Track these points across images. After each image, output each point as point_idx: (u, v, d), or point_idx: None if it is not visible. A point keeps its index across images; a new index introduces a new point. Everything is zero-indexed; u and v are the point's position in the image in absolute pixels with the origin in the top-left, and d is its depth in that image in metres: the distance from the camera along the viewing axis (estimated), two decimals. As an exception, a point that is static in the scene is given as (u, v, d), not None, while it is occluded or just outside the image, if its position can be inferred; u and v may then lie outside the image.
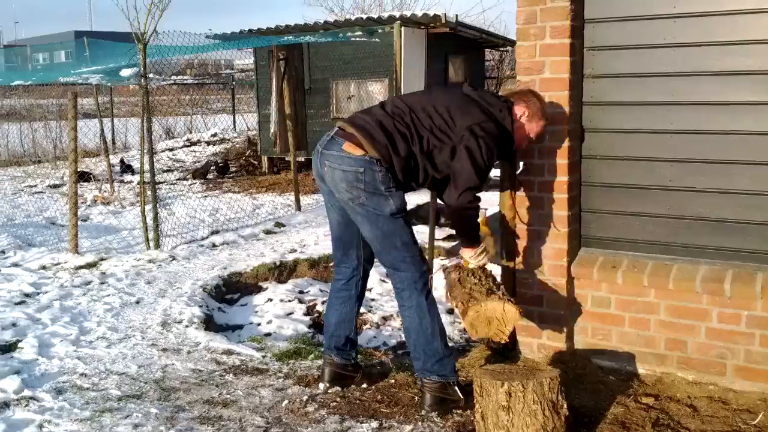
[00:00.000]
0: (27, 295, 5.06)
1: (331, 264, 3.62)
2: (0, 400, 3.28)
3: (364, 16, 12.38)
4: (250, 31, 12.14)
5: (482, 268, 3.19)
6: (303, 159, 11.23)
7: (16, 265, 5.93)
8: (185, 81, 19.11)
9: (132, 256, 6.21)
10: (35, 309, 4.69)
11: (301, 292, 5.32)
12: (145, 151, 6.53)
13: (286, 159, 10.80)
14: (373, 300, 5.11)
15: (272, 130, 11.00)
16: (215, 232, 7.30)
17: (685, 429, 2.88)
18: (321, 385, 3.41)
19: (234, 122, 18.67)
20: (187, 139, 17.33)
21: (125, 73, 8.64)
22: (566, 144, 3.37)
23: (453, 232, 3.18)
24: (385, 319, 4.76)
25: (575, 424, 2.86)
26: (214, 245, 6.71)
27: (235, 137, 16.65)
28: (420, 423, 3.03)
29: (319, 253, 6.16)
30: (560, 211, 3.44)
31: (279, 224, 7.72)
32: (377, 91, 11.28)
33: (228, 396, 3.35)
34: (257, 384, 3.50)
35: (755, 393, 3.11)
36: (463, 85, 3.27)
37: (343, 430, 2.98)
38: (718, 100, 3.15)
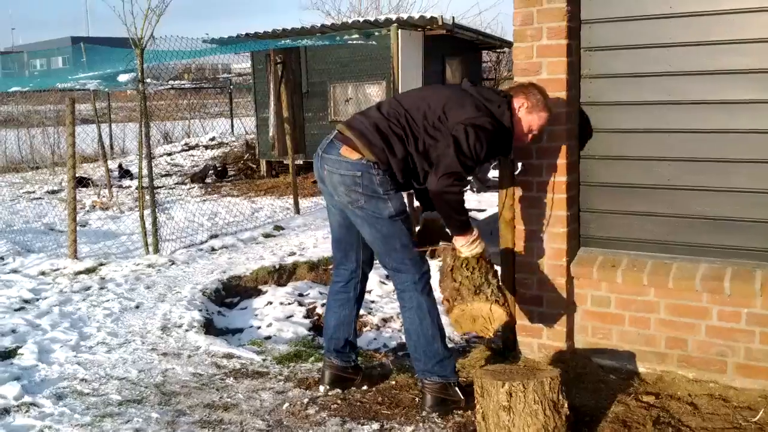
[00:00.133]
0: (26, 301, 5.05)
1: (331, 267, 3.62)
2: (0, 407, 3.28)
3: (361, 19, 12.41)
4: (247, 35, 12.15)
5: (477, 258, 3.06)
6: (301, 162, 11.24)
7: (15, 271, 5.93)
8: (183, 85, 19.14)
9: (131, 260, 6.21)
10: (35, 315, 4.68)
11: (300, 295, 5.32)
12: (143, 155, 6.53)
13: (285, 162, 10.80)
14: (373, 302, 5.11)
15: (270, 134, 11.01)
16: (214, 236, 7.30)
17: (686, 427, 2.89)
18: (321, 388, 3.41)
19: (232, 126, 18.68)
20: (186, 144, 17.32)
21: (123, 78, 8.64)
22: (564, 144, 3.38)
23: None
24: (385, 320, 4.76)
25: (576, 423, 2.86)
26: (213, 249, 6.71)
27: (233, 141, 16.64)
28: (421, 424, 3.03)
29: (318, 256, 6.16)
30: (559, 211, 3.44)
31: (278, 227, 7.72)
32: (375, 93, 11.29)
33: (229, 399, 3.35)
34: (258, 387, 3.49)
35: (756, 390, 3.11)
36: (463, 81, 3.24)
37: (344, 432, 2.98)
38: (715, 99, 3.16)
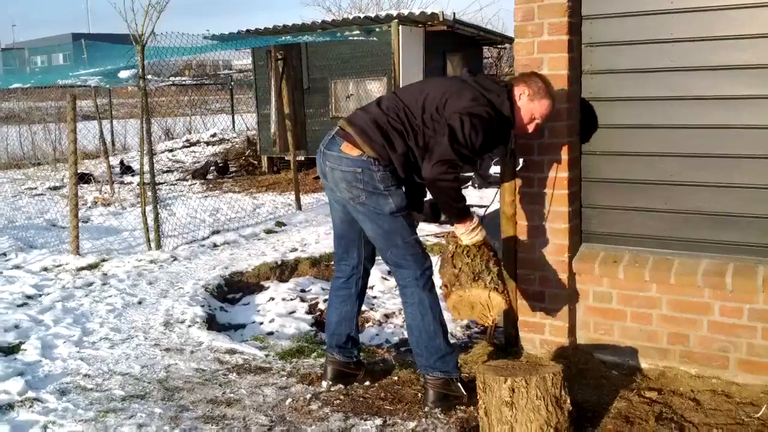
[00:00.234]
0: (29, 297, 5.06)
1: (333, 263, 3.63)
2: (4, 402, 3.29)
3: (362, 15, 12.39)
4: (248, 31, 12.14)
5: (479, 246, 3.05)
6: (303, 158, 11.23)
7: (17, 267, 5.94)
8: (184, 82, 19.13)
9: (133, 256, 6.22)
10: (38, 311, 4.69)
11: (302, 290, 5.33)
12: (144, 152, 6.53)
13: (286, 158, 10.79)
14: (375, 297, 5.12)
15: (272, 130, 11.01)
16: (216, 232, 7.31)
17: (689, 422, 2.89)
18: (324, 383, 3.42)
19: (233, 122, 18.67)
20: (187, 140, 17.33)
21: (124, 74, 8.65)
22: (566, 140, 3.38)
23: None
24: (387, 316, 4.77)
25: (578, 419, 2.87)
26: (215, 245, 6.72)
27: (235, 137, 16.65)
28: (423, 419, 3.03)
29: (320, 252, 6.17)
30: (561, 207, 3.44)
31: (280, 223, 7.72)
32: (376, 89, 11.28)
33: (231, 395, 3.36)
34: (260, 383, 3.50)
35: (758, 386, 3.12)
36: (463, 71, 3.23)
37: (346, 427, 2.99)
38: (717, 94, 3.16)
